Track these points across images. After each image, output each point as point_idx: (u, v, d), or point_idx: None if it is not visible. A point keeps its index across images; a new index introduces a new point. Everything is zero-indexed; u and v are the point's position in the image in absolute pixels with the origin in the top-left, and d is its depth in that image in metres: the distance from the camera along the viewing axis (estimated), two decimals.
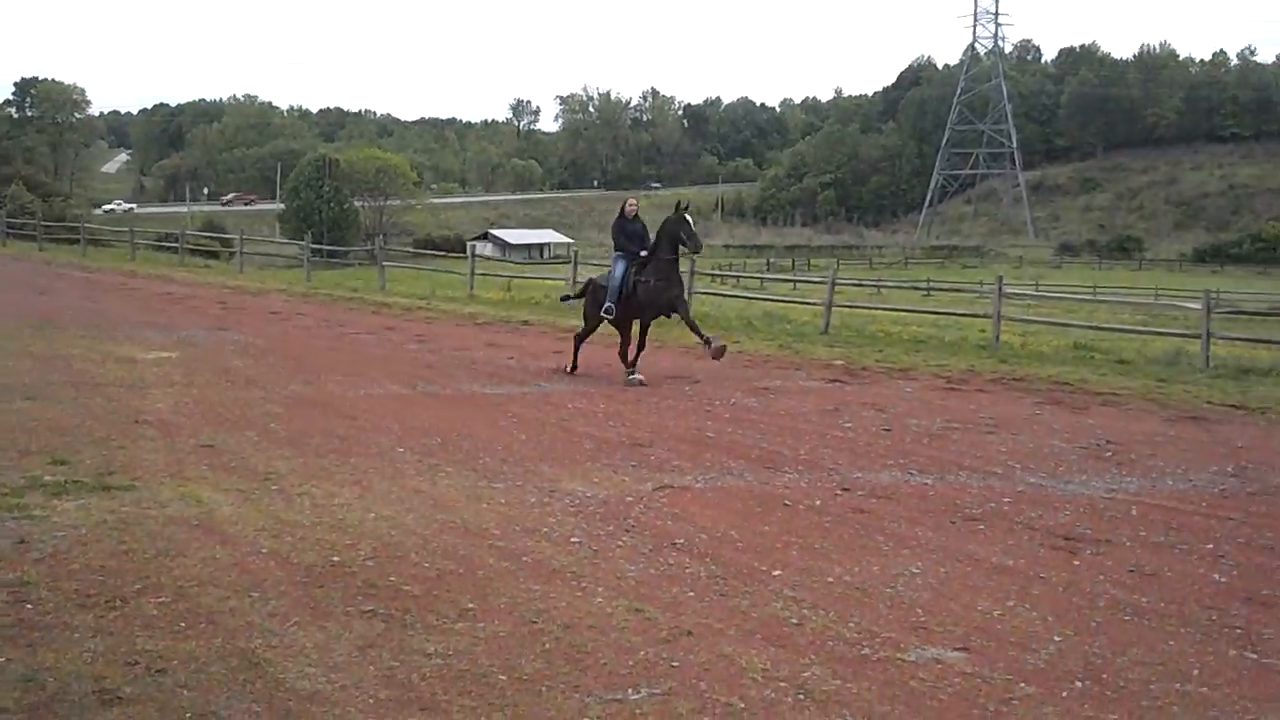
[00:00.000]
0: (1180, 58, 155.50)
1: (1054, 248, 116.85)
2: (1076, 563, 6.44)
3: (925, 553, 6.55)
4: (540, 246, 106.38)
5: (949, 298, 31.00)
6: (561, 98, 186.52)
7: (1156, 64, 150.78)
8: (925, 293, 35.62)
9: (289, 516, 6.95)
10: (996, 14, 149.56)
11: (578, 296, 14.75)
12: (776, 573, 6.11)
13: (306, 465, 8.35)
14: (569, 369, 13.64)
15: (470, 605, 5.48)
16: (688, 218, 13.12)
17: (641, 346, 13.45)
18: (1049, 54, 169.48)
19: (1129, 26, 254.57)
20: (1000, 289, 18.20)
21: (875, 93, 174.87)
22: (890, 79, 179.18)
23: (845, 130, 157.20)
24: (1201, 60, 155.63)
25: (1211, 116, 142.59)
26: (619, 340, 13.50)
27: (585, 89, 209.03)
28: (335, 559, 6.14)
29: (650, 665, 4.81)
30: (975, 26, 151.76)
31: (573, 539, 6.65)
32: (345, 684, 4.57)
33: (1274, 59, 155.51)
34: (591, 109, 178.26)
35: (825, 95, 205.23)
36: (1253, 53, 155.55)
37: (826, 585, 5.92)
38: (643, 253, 13.26)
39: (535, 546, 6.49)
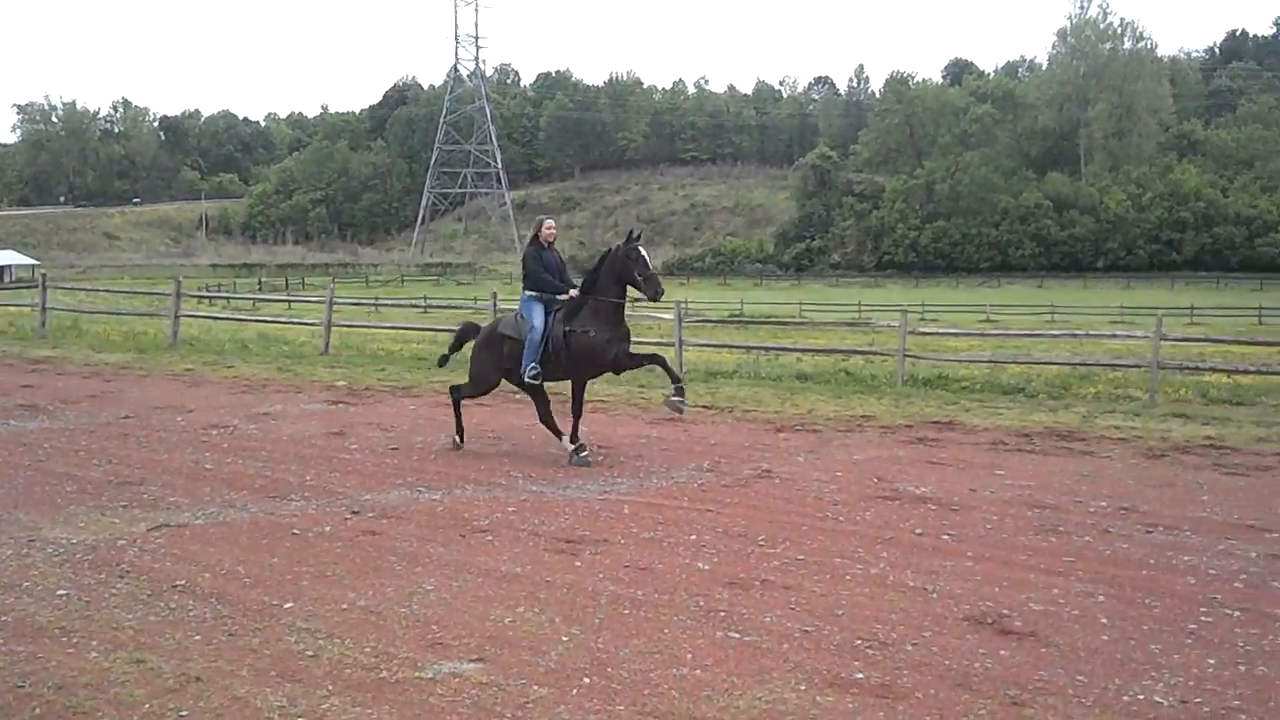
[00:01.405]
0: (645, 85, 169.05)
1: None
2: (578, 564, 6.83)
3: (438, 568, 6.66)
4: None
5: (447, 314, 31.62)
6: (19, 106, 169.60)
7: (624, 91, 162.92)
8: (424, 309, 36.19)
9: None
10: (477, 37, 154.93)
11: (456, 349, 11.42)
12: (288, 605, 5.96)
13: None
14: (455, 441, 10.62)
15: None
16: (642, 251, 9.87)
17: (579, 412, 10.39)
18: (528, 78, 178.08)
19: (599, 55, 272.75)
20: (495, 304, 18.86)
21: (363, 110, 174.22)
22: (377, 97, 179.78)
23: (334, 147, 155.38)
24: (664, 89, 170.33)
25: (674, 140, 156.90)
26: (535, 406, 10.60)
27: (47, 98, 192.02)
28: None
29: (156, 719, 4.53)
30: (457, 48, 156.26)
31: (59, 591, 6.08)
32: None
33: (725, 89, 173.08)
34: (55, 119, 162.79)
35: (312, 111, 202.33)
36: (706, 83, 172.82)
37: (341, 612, 5.85)
38: (572, 292, 10.12)
39: (16, 603, 5.86)
